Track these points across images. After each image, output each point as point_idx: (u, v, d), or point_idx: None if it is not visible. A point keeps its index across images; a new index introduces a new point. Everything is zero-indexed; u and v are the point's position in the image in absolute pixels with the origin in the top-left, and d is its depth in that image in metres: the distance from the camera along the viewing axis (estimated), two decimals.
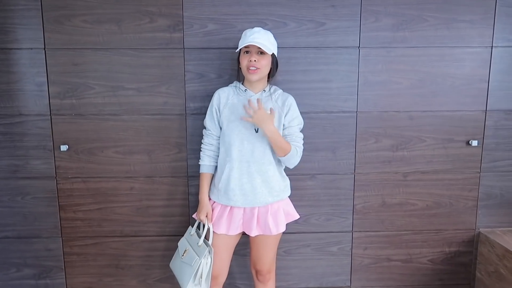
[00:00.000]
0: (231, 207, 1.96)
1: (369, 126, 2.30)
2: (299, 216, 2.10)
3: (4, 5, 2.12)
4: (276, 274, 2.20)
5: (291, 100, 1.98)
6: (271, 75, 1.98)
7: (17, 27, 2.14)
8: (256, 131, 1.91)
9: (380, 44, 2.23)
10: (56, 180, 2.28)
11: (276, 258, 2.17)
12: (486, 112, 2.31)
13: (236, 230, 1.98)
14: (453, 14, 2.21)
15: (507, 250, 2.19)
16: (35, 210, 2.31)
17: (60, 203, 2.31)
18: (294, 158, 1.92)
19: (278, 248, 2.19)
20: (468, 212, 2.41)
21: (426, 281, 2.49)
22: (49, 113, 2.22)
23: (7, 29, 2.14)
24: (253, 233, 1.96)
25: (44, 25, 2.14)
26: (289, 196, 2.06)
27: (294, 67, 2.21)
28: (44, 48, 2.17)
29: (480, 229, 2.43)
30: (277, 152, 1.90)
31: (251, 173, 1.91)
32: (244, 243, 2.27)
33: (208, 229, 1.96)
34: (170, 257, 2.34)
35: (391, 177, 2.36)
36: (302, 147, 1.98)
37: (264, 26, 2.16)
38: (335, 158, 2.33)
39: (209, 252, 1.91)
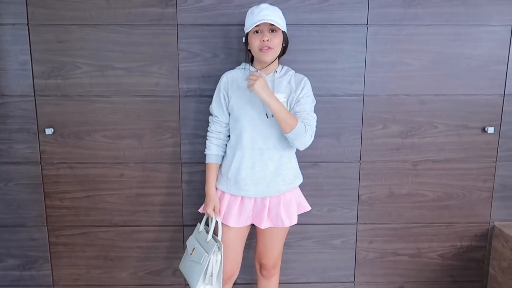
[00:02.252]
0: (241, 197, 1.85)
1: (377, 111, 2.18)
2: (310, 208, 2.01)
3: None
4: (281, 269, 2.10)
5: (306, 80, 1.87)
6: (281, 54, 1.85)
7: None
8: (267, 117, 1.78)
9: (390, 22, 2.10)
10: (41, 166, 2.18)
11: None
12: (504, 97, 2.18)
13: (245, 222, 1.87)
14: None
15: None
16: (19, 197, 2.22)
17: (45, 190, 2.21)
18: (302, 135, 1.73)
19: None
20: (482, 204, 2.29)
21: (435, 277, 2.38)
22: (33, 94, 2.11)
23: None
24: (263, 225, 1.85)
25: None
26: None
27: (295, 46, 2.06)
28: (28, 24, 2.05)
29: (495, 222, 2.32)
30: (282, 126, 1.73)
31: (264, 161, 1.80)
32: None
33: (217, 223, 1.85)
34: (162, 248, 2.29)
35: (400, 166, 2.25)
36: (314, 129, 1.82)
37: (264, 0, 2.01)
38: (339, 145, 2.21)
39: (218, 248, 1.80)
